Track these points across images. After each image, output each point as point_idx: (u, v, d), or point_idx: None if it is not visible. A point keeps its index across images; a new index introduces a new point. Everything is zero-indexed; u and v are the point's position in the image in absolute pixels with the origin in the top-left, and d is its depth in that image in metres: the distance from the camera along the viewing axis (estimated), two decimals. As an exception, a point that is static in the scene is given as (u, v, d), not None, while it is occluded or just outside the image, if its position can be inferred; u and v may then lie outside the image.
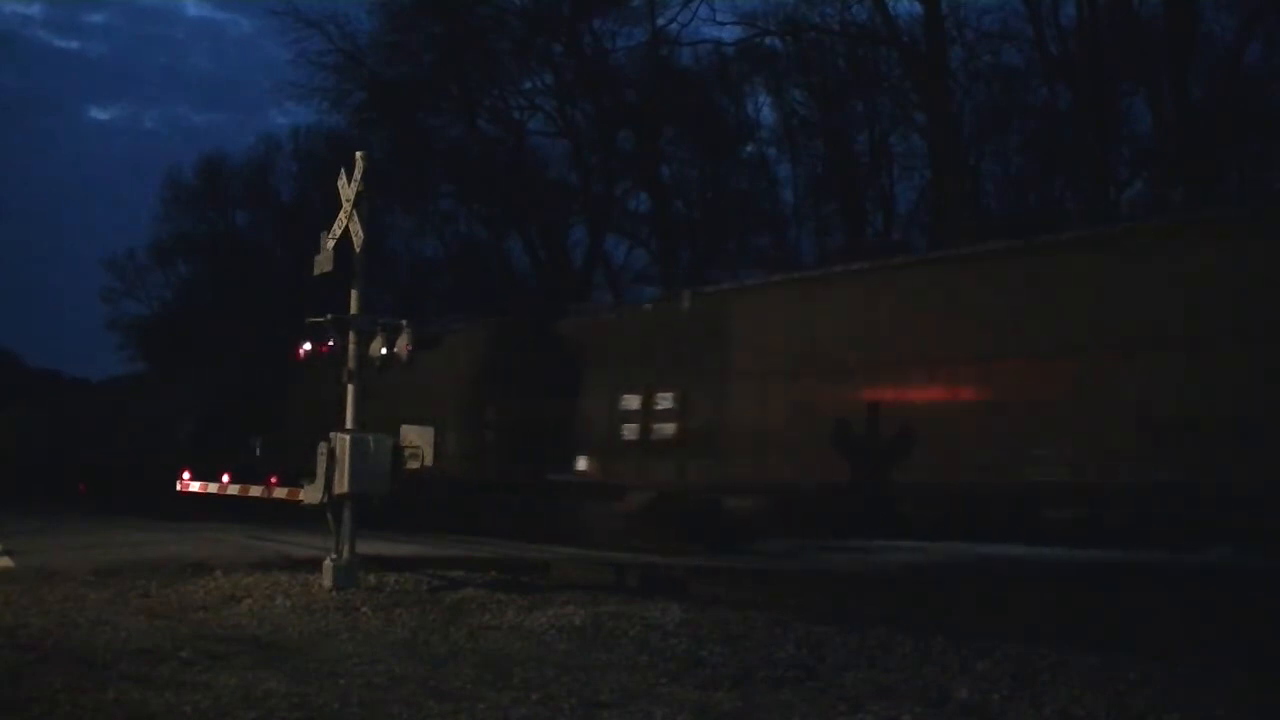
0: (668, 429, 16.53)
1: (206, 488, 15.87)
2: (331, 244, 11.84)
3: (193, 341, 45.88)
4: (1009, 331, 13.28)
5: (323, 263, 11.97)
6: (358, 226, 11.54)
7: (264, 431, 25.65)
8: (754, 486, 15.53)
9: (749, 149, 37.97)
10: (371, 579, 11.52)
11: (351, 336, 11.56)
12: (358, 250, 11.61)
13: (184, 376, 34.48)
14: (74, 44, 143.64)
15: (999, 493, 13.09)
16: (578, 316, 20.02)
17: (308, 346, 11.92)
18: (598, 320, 19.24)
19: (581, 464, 17.78)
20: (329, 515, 11.33)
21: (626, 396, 16.89)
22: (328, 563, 11.19)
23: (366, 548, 11.81)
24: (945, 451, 13.34)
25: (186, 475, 16.54)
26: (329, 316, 11.62)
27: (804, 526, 16.13)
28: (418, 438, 11.76)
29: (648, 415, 16.80)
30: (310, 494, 11.51)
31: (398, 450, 11.55)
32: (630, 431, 17.03)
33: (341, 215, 11.73)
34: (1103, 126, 27.13)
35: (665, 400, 16.50)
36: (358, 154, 11.86)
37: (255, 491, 14.16)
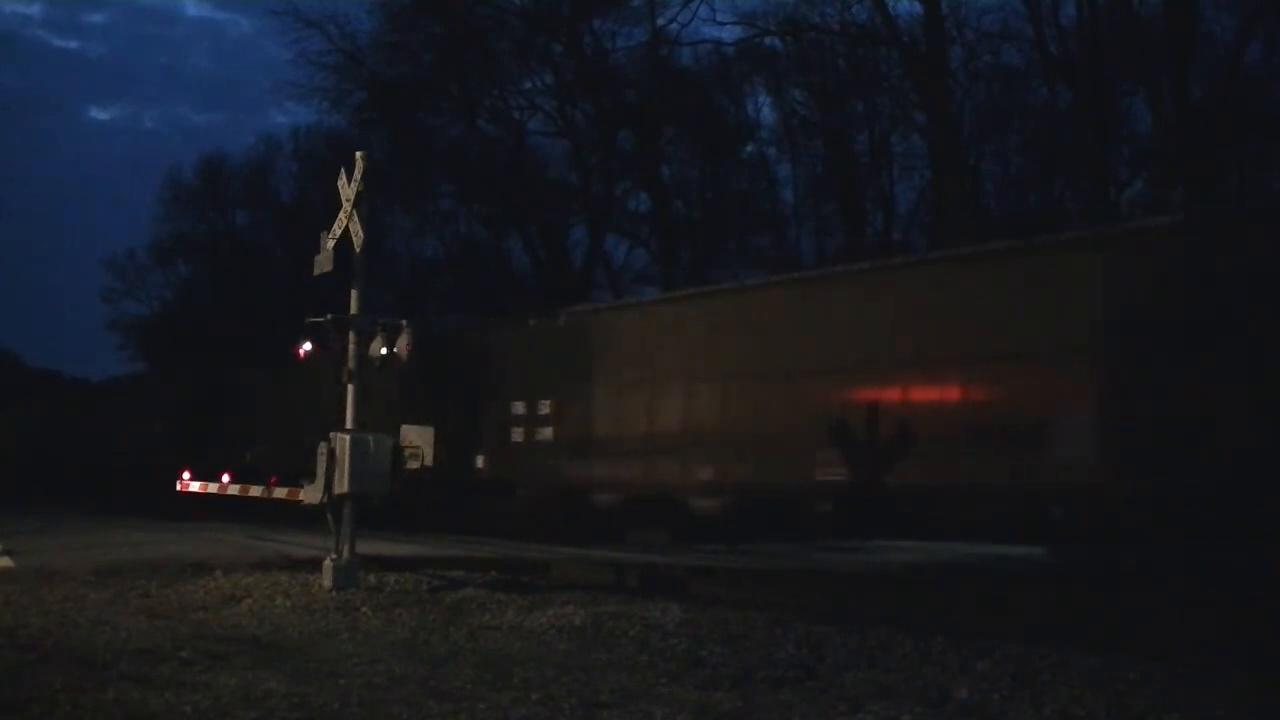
0: (547, 432, 18.43)
1: (206, 488, 15.87)
2: (331, 244, 11.85)
3: (193, 341, 45.92)
4: (794, 353, 15.28)
5: (323, 263, 11.98)
6: (358, 226, 11.55)
7: (225, 431, 26.97)
8: (614, 485, 17.54)
9: (749, 149, 38.00)
10: (371, 579, 11.52)
11: (351, 336, 11.57)
12: (358, 250, 11.62)
13: (156, 379, 35.74)
14: (74, 44, 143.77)
15: (790, 490, 15.16)
16: (480, 330, 22.09)
17: (308, 346, 11.91)
18: (496, 333, 20.99)
19: (479, 463, 19.30)
20: (329, 515, 11.34)
21: (514, 403, 18.81)
22: (328, 563, 11.20)
23: (366, 548, 11.82)
24: (755, 454, 15.48)
25: (186, 475, 16.53)
26: (329, 316, 11.63)
27: (653, 523, 17.33)
28: (418, 438, 11.77)
29: (531, 420, 18.69)
30: (310, 494, 11.52)
31: (398, 450, 11.56)
32: (517, 434, 18.88)
33: (341, 215, 11.73)
34: (1103, 126, 27.13)
35: (545, 406, 18.47)
36: (358, 154, 11.87)
37: (255, 491, 14.17)
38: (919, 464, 13.44)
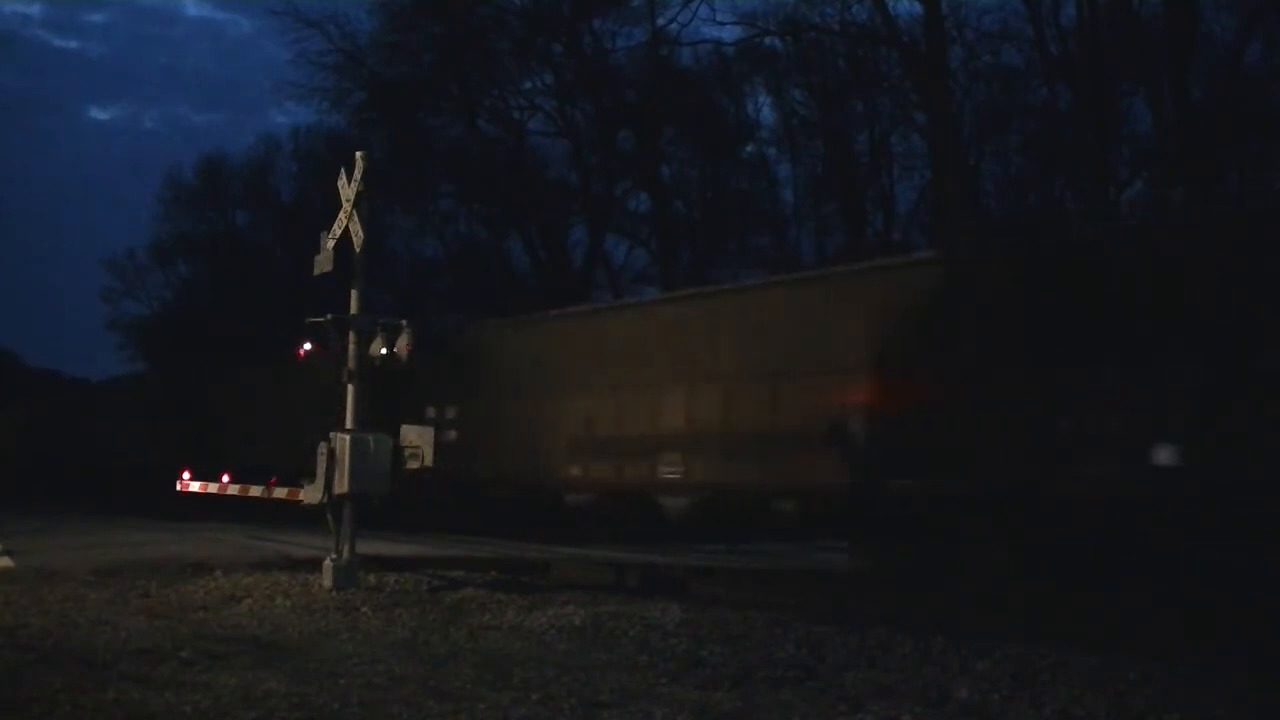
0: (453, 435, 19.70)
1: (206, 488, 15.87)
2: (331, 244, 11.85)
3: (193, 341, 45.95)
4: (635, 367, 17.34)
5: (323, 263, 11.98)
6: (358, 226, 11.55)
7: (191, 432, 28.22)
8: (501, 481, 19.41)
9: (749, 149, 37.97)
10: (371, 579, 11.52)
11: (351, 336, 11.57)
12: (358, 250, 11.62)
13: (135, 382, 37.84)
14: (74, 44, 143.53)
15: (635, 486, 17.07)
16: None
17: (308, 346, 11.91)
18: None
19: None
20: (329, 515, 11.34)
21: (429, 407, 20.11)
22: (328, 563, 11.20)
23: (366, 548, 11.82)
24: (607, 453, 17.48)
25: (186, 475, 16.54)
26: (329, 316, 11.63)
27: (539, 514, 18.94)
28: (418, 438, 11.77)
29: (440, 423, 19.77)
30: (310, 494, 11.52)
31: (398, 450, 11.56)
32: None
33: (341, 215, 11.73)
34: (1103, 126, 27.11)
35: (452, 411, 20.12)
36: (358, 154, 11.87)
37: (255, 491, 14.17)
38: (732, 465, 15.62)
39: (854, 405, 14.12)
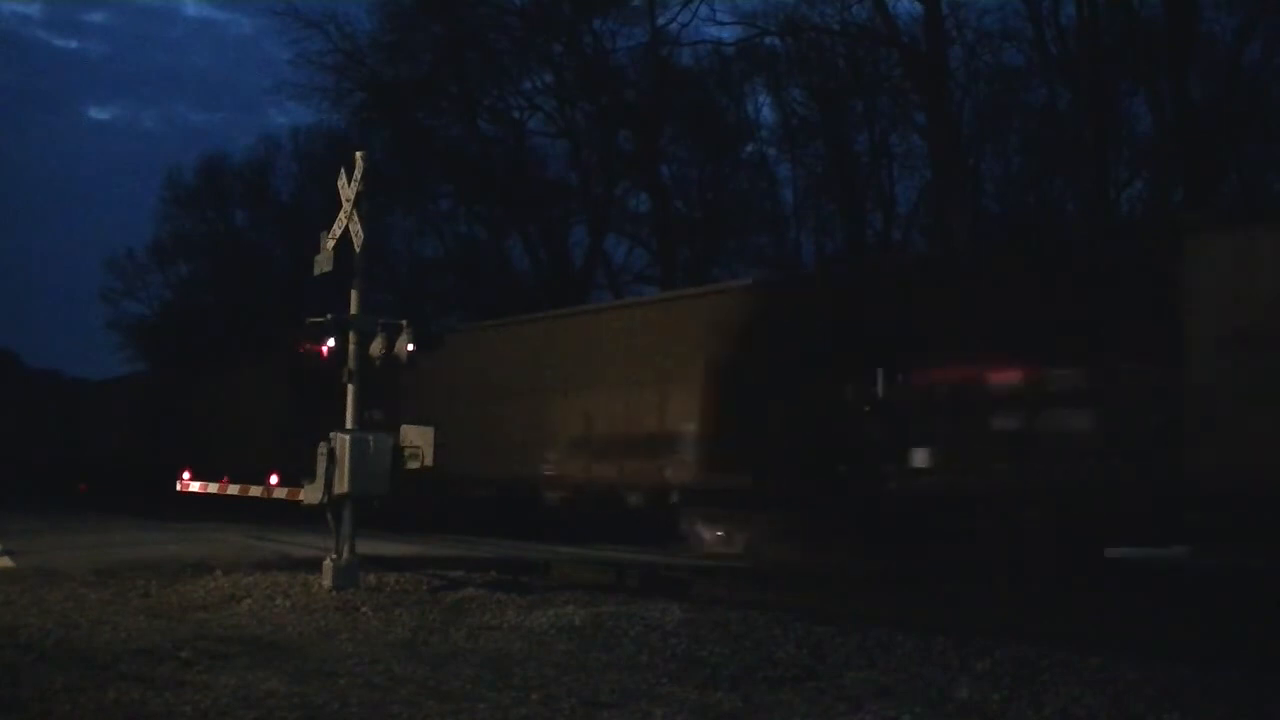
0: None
1: (206, 488, 15.86)
2: (331, 244, 11.85)
3: (193, 342, 45.96)
4: (521, 378, 20.00)
5: (323, 263, 11.98)
6: (358, 226, 11.55)
7: (182, 432, 29.27)
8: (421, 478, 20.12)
9: (749, 149, 37.97)
10: (371, 579, 11.52)
11: (351, 336, 11.56)
12: (358, 250, 11.62)
13: (120, 383, 38.88)
14: (73, 43, 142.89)
15: (521, 481, 19.47)
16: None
17: (309, 347, 11.90)
18: None
19: None
20: (329, 515, 11.33)
21: (370, 411, 20.41)
22: (328, 563, 11.20)
23: (366, 548, 11.82)
24: (501, 453, 19.77)
25: (186, 475, 16.53)
26: (329, 316, 11.62)
27: (475, 510, 20.76)
28: (418, 437, 11.76)
29: (369, 425, 20.92)
30: (310, 494, 11.51)
31: (398, 450, 11.55)
32: None
33: (341, 215, 11.73)
34: (1103, 126, 27.08)
35: (378, 414, 21.52)
36: (358, 154, 11.86)
37: (255, 491, 14.16)
38: (594, 464, 17.82)
39: (686, 412, 16.22)
